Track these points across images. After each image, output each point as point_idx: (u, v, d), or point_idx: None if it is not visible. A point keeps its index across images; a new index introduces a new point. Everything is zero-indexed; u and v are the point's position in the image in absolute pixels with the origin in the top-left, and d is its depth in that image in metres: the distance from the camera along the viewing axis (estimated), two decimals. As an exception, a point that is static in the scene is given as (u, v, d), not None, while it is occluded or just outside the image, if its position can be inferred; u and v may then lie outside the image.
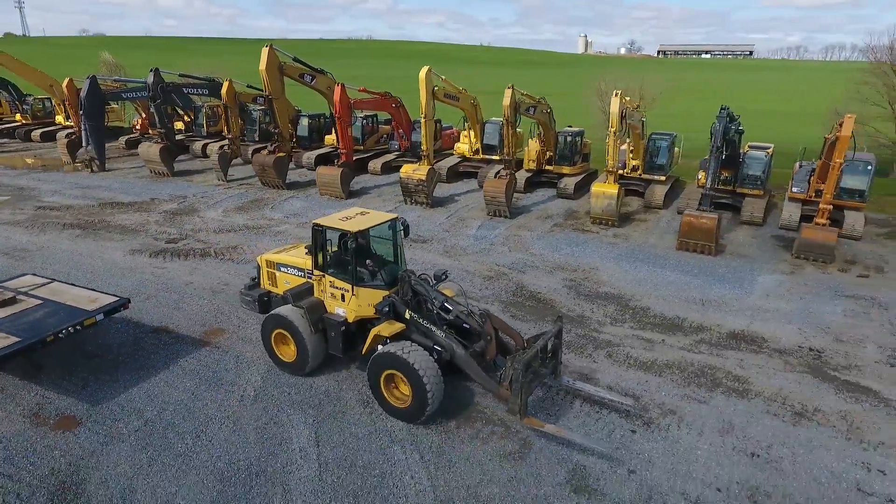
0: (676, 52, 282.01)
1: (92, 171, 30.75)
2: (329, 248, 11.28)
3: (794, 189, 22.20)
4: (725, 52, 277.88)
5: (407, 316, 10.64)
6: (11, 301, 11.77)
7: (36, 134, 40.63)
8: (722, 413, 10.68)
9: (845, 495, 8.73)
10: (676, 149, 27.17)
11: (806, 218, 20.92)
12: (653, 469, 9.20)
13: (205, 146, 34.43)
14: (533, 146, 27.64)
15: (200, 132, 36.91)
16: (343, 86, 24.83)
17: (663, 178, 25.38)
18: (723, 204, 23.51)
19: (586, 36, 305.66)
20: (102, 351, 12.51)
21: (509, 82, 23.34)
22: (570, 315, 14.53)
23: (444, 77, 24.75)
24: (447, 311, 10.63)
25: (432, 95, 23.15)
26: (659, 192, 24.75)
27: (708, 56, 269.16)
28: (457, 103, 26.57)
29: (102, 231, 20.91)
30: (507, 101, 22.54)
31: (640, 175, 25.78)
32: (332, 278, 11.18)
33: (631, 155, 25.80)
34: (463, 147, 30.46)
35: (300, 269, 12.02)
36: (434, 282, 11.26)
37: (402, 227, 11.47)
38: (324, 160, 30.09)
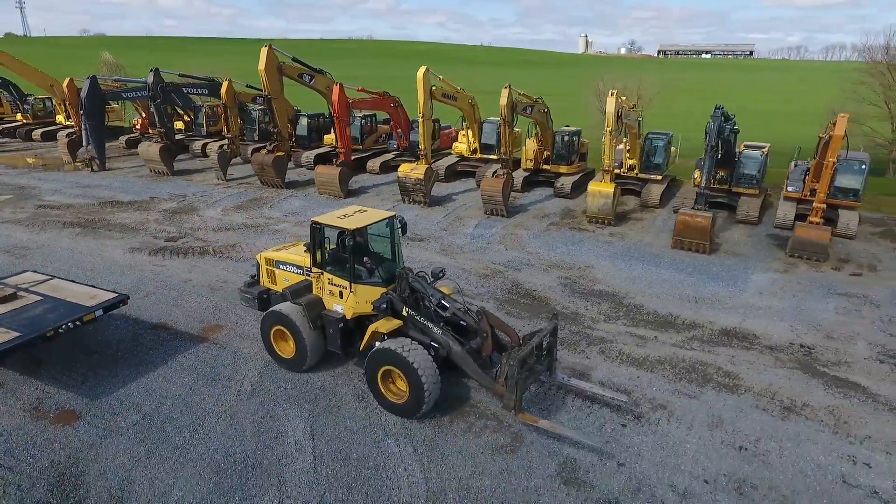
0: (677, 52, 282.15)
1: (92, 170, 30.95)
2: (327, 245, 11.43)
3: (790, 188, 22.35)
4: (725, 52, 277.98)
5: (404, 313, 10.78)
6: (12, 297, 11.95)
7: (37, 133, 40.84)
8: (712, 408, 10.84)
9: (830, 487, 8.89)
10: (673, 148, 27.35)
11: (801, 217, 21.06)
12: (642, 462, 9.37)
13: (204, 146, 34.62)
14: (530, 146, 27.79)
15: (200, 132, 37.10)
16: (341, 85, 25.00)
17: (660, 177, 25.53)
18: (719, 203, 23.67)
19: (586, 36, 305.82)
20: (102, 347, 12.68)
21: (509, 82, 23.51)
22: (564, 312, 14.69)
23: (441, 77, 24.92)
24: (444, 308, 10.76)
25: (430, 95, 23.32)
26: (655, 192, 24.91)
27: (708, 56, 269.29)
28: (454, 103, 26.75)
29: (102, 229, 21.08)
30: (503, 100, 22.71)
31: (636, 174, 25.93)
32: (330, 275, 11.33)
33: (628, 154, 25.95)
34: (461, 146, 30.64)
35: (299, 267, 12.18)
36: (431, 279, 11.38)
37: (399, 225, 11.62)
38: (323, 159, 30.26)
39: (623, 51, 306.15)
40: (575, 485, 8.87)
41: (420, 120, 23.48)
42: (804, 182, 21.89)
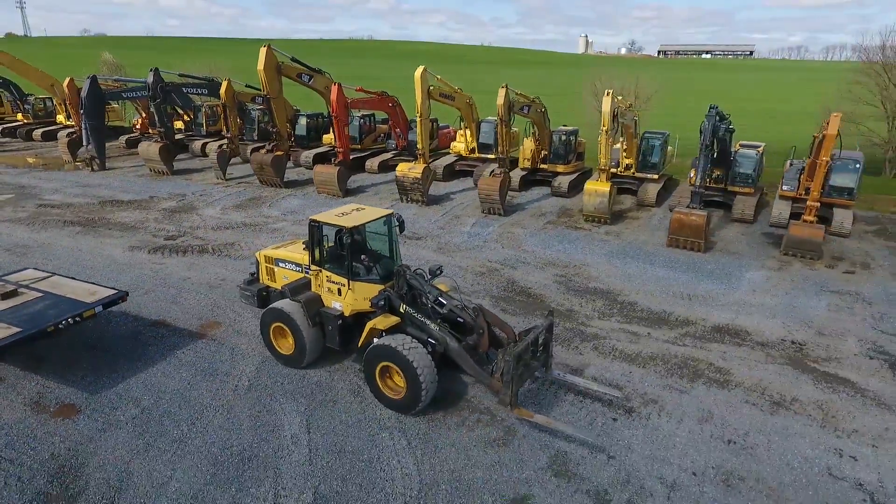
0: (677, 53, 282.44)
1: (92, 169, 31.13)
2: (325, 243, 11.58)
3: (785, 187, 22.49)
4: (726, 52, 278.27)
5: (402, 310, 10.90)
6: (13, 293, 12.11)
7: (37, 133, 41.01)
8: (702, 402, 11.00)
9: (816, 479, 9.05)
10: (670, 148, 27.50)
11: (796, 216, 21.20)
12: (632, 455, 9.53)
13: (204, 145, 34.80)
14: (528, 145, 27.96)
15: (200, 131, 37.28)
16: (339, 85, 25.16)
17: (656, 176, 25.70)
18: (714, 202, 23.85)
19: (587, 36, 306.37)
20: (102, 343, 12.85)
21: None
22: (559, 309, 14.85)
23: (439, 76, 25.08)
24: (441, 305, 10.89)
25: (427, 95, 23.48)
26: (652, 191, 25.07)
27: (708, 56, 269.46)
28: (452, 103, 26.91)
29: (102, 228, 21.26)
30: (500, 100, 22.90)
31: (633, 173, 26.10)
32: (328, 273, 11.47)
33: (624, 153, 26.12)
34: (459, 146, 30.81)
35: (298, 265, 12.34)
36: (429, 277, 11.51)
37: (397, 223, 11.75)
38: (321, 159, 30.45)
39: (623, 51, 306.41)
40: (565, 477, 9.03)
41: (418, 119, 23.64)
42: (799, 181, 22.04)
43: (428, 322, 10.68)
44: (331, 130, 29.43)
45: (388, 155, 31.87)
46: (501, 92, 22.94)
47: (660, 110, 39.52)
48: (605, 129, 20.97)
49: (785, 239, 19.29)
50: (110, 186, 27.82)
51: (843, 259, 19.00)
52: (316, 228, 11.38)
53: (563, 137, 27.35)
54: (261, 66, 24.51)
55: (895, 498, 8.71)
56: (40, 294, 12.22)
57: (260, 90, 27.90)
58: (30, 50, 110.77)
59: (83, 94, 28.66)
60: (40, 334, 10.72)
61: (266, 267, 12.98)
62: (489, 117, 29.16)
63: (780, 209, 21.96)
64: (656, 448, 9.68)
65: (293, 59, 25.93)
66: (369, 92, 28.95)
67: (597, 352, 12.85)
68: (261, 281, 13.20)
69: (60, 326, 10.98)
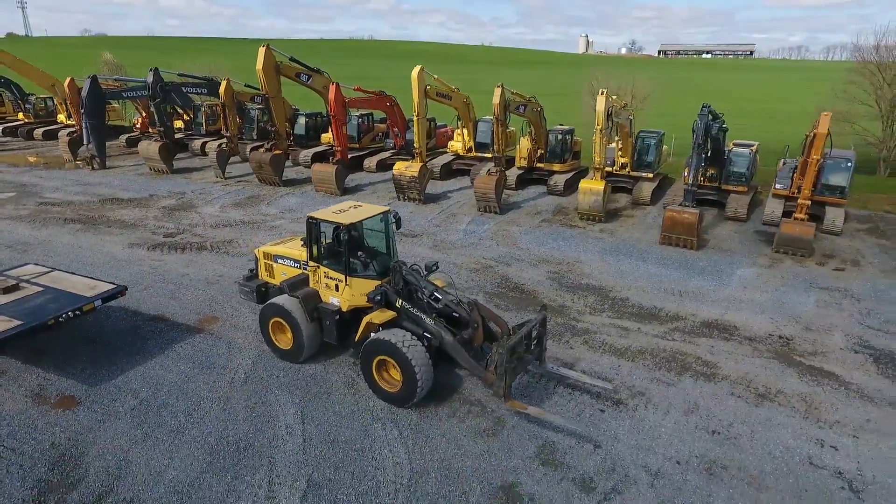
0: (677, 52, 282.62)
1: (93, 168, 31.39)
2: (323, 240, 11.80)
3: (778, 186, 22.72)
4: (726, 52, 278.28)
5: (398, 305, 11.10)
6: (14, 288, 12.36)
7: (38, 132, 41.27)
8: (688, 394, 11.23)
9: (797, 468, 9.29)
10: (665, 147, 27.73)
11: (789, 214, 21.36)
12: (618, 444, 9.77)
13: (203, 144, 35.04)
14: (524, 144, 28.17)
15: (199, 131, 37.57)
16: (338, 85, 25.40)
17: (651, 175, 25.92)
18: (708, 200, 24.07)
19: (587, 36, 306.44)
20: (101, 337, 13.10)
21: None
22: (551, 305, 15.07)
23: (436, 76, 25.30)
24: (437, 300, 11.12)
25: (424, 94, 23.70)
26: (646, 189, 25.31)
27: (708, 56, 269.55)
28: (449, 102, 27.14)
29: (102, 226, 21.52)
30: (496, 99, 23.12)
31: (628, 172, 26.33)
32: (326, 269, 11.70)
33: (620, 152, 26.35)
34: (456, 145, 31.03)
35: (296, 261, 12.57)
36: (425, 273, 11.71)
37: (394, 220, 11.98)
38: (320, 158, 30.66)
39: (623, 51, 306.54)
40: (552, 465, 9.27)
41: (415, 119, 23.87)
42: (792, 179, 22.25)
43: (424, 316, 10.89)
44: (329, 129, 29.68)
45: (386, 154, 32.10)
46: (497, 91, 23.17)
47: (660, 110, 39.68)
48: (599, 128, 21.21)
49: (776, 237, 19.53)
50: (110, 185, 28.08)
51: (833, 256, 19.23)
52: (314, 225, 11.61)
53: (560, 136, 27.58)
54: (259, 65, 24.76)
55: (873, 486, 8.94)
56: (41, 288, 12.47)
57: (259, 90, 28.16)
58: (31, 50, 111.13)
59: (84, 93, 28.92)
60: (41, 327, 10.97)
61: (265, 263, 13.21)
62: (486, 116, 29.37)
63: (773, 207, 22.16)
64: (642, 438, 9.92)
65: (292, 59, 26.18)
66: (367, 91, 29.20)
67: (587, 346, 13.09)
68: (260, 277, 13.43)
69: (61, 320, 11.23)
